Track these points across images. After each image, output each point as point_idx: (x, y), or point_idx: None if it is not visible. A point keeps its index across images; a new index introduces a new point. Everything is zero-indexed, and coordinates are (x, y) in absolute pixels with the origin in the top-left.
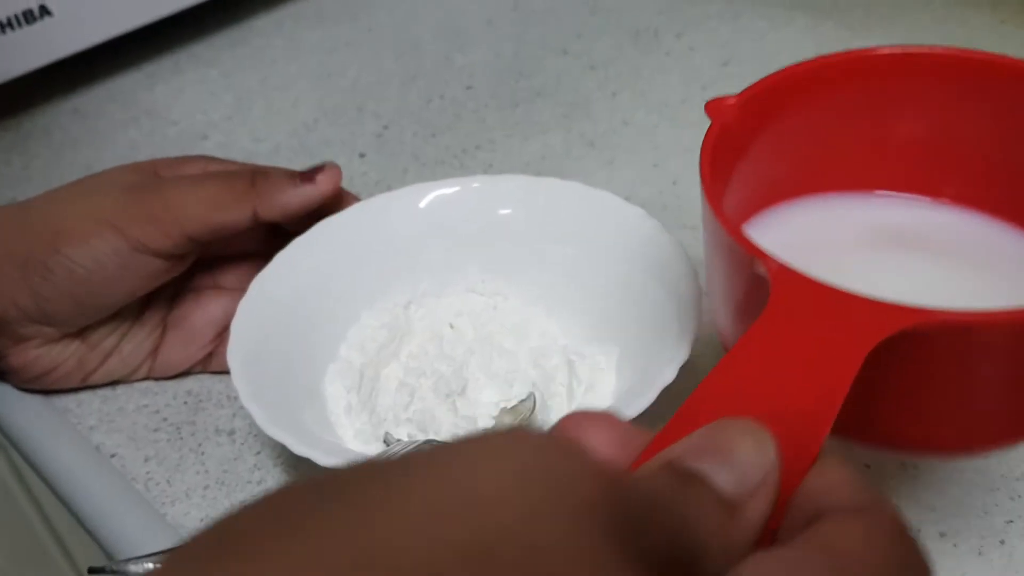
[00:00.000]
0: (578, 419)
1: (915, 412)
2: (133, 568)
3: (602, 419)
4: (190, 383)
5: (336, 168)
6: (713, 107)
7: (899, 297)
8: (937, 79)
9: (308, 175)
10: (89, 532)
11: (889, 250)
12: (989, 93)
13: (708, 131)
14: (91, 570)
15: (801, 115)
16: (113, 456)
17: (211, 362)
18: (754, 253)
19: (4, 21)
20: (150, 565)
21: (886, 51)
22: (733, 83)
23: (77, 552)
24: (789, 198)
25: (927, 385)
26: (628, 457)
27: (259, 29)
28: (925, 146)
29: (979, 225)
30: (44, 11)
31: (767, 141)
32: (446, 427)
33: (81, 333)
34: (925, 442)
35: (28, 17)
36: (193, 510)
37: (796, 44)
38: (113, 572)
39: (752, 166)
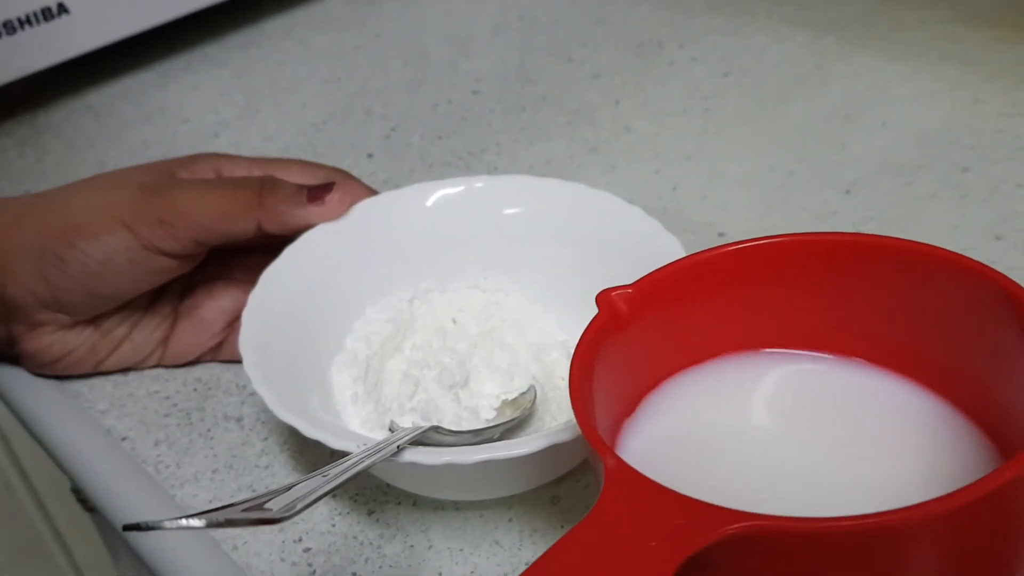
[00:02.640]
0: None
1: None
2: (168, 524)
3: None
4: (199, 371)
5: (347, 188)
6: (603, 297)
7: (794, 472)
8: (822, 261)
9: (316, 194)
10: (101, 512)
11: (797, 412)
12: (873, 271)
13: (592, 322)
14: (126, 527)
15: (702, 295)
16: (124, 439)
17: (220, 351)
18: (596, 446)
19: (23, 18)
20: (184, 521)
21: (784, 239)
22: (733, 94)
23: (75, 546)
24: (706, 358)
25: None
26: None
27: (270, 32)
28: (836, 316)
29: (885, 382)
30: (62, 9)
31: (671, 312)
32: (449, 417)
33: (94, 321)
34: None
35: (46, 14)
36: (202, 492)
37: (796, 58)
38: (149, 528)
39: (657, 333)
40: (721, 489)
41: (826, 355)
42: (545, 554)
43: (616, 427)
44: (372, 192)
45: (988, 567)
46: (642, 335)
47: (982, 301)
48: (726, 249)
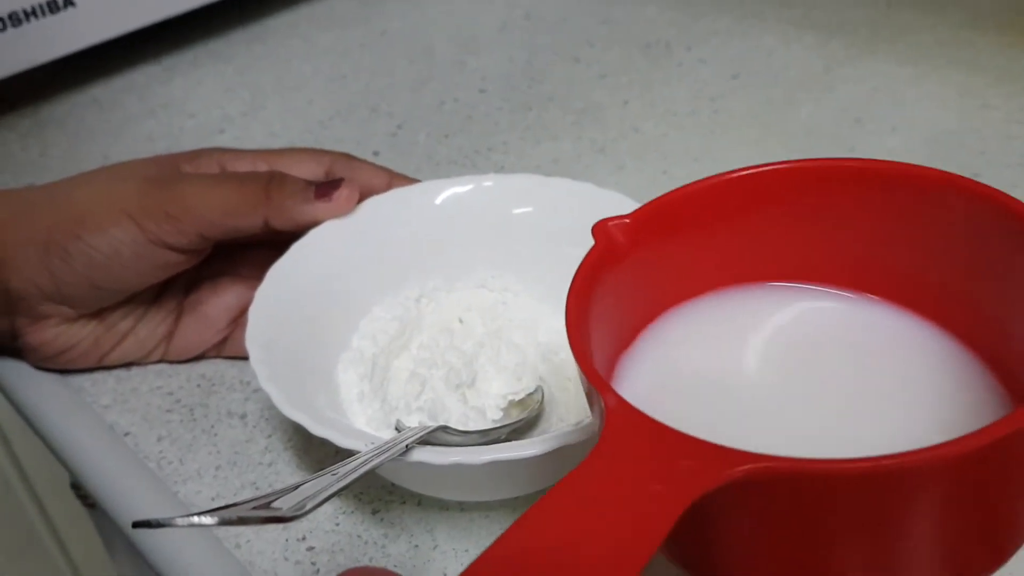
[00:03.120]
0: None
1: (764, 563)
2: (180, 522)
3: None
4: (204, 367)
5: (355, 185)
6: (599, 228)
7: (791, 411)
8: (827, 188)
9: (324, 190)
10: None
11: (803, 350)
12: (882, 199)
13: (588, 253)
14: (136, 524)
15: (707, 221)
16: (127, 435)
17: (225, 347)
18: (594, 383)
19: (28, 10)
20: (195, 519)
21: (790, 165)
22: (741, 95)
23: (72, 542)
24: (706, 291)
25: (775, 537)
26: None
27: (275, 28)
28: (838, 247)
29: (894, 319)
30: (67, 2)
31: (670, 243)
32: (456, 417)
33: (98, 314)
34: None
35: (52, 7)
36: (205, 489)
37: (803, 60)
38: (160, 526)
39: (661, 263)
40: (722, 431)
41: (832, 289)
42: (542, 499)
43: (612, 362)
44: (381, 171)
45: (1001, 515)
46: (640, 267)
47: (1000, 231)
48: (728, 176)
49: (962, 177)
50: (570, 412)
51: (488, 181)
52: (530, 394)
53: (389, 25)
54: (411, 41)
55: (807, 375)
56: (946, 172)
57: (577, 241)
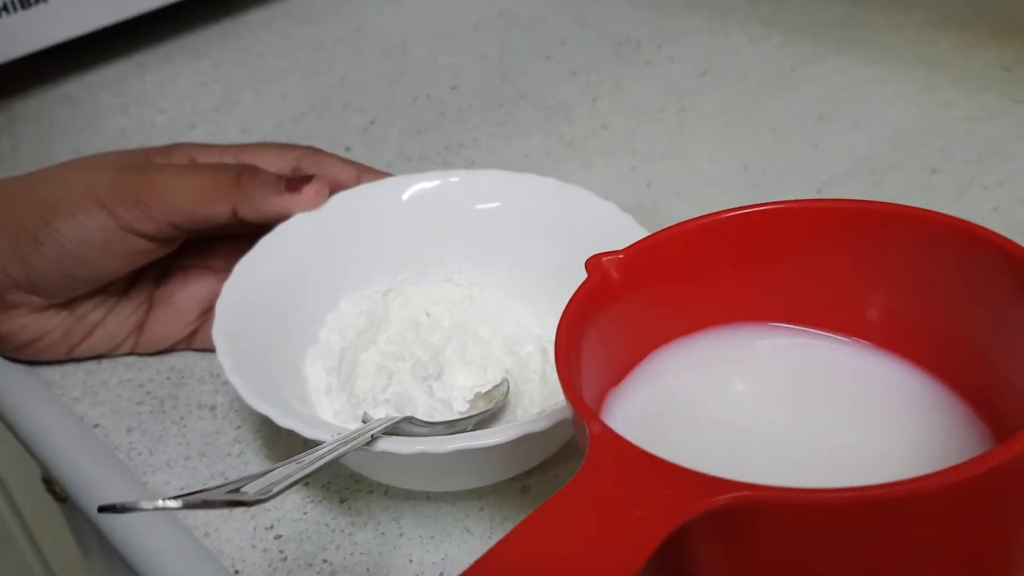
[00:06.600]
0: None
1: None
2: (144, 505)
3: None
4: (173, 359)
5: (325, 181)
6: (593, 262)
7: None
8: (816, 229)
9: (295, 184)
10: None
11: (789, 389)
12: (870, 238)
13: (581, 286)
14: (101, 508)
15: (698, 257)
16: (96, 426)
17: (195, 340)
18: (580, 411)
19: (0, 5)
20: (160, 502)
21: (770, 207)
22: (709, 93)
23: (43, 537)
24: (700, 328)
25: (756, 567)
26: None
27: (250, 24)
28: (825, 285)
29: (874, 359)
30: None
31: (663, 280)
32: (422, 409)
33: (68, 305)
34: None
35: (24, 2)
36: (174, 479)
37: (771, 59)
38: (124, 510)
39: (649, 302)
40: (710, 463)
41: (819, 331)
42: (524, 522)
43: (601, 397)
44: (349, 165)
45: (983, 551)
46: (631, 303)
47: (984, 268)
48: (719, 216)
49: (953, 217)
50: (535, 404)
51: (455, 176)
52: (496, 386)
53: (364, 21)
54: (385, 37)
55: (796, 411)
56: (933, 212)
57: (542, 235)
